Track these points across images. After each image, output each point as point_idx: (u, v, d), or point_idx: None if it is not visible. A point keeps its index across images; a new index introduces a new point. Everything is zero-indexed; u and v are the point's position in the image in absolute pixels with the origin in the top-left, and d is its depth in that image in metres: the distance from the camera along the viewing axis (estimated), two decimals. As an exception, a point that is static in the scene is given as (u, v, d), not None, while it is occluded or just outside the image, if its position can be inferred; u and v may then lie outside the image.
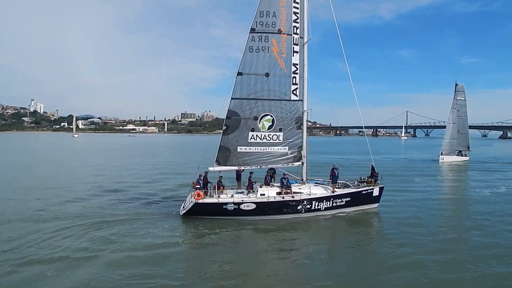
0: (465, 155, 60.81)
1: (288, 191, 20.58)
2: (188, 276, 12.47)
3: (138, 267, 12.98)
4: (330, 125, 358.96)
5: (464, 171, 47.45)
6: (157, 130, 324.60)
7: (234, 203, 19.60)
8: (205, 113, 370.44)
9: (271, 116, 21.04)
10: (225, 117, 20.80)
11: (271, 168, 21.99)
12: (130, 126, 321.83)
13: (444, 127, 61.36)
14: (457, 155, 59.58)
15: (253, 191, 20.69)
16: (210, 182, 21.19)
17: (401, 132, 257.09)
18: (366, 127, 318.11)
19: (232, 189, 21.87)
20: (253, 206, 19.70)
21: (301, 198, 20.19)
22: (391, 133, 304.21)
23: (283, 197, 20.24)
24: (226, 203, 19.62)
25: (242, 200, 19.78)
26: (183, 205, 20.76)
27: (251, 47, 20.42)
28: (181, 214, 20.05)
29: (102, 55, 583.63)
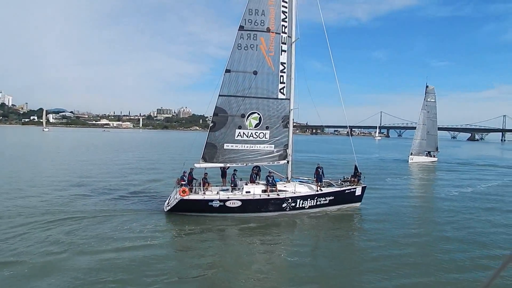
0: (434, 156, 62.06)
1: (273, 189, 20.73)
2: (173, 275, 12.11)
3: (122, 267, 12.51)
4: (307, 124, 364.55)
5: (432, 171, 48.91)
6: (131, 126, 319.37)
7: (220, 200, 19.56)
8: (182, 109, 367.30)
9: (258, 114, 21.11)
10: (212, 114, 20.75)
11: (256, 166, 22.07)
12: (104, 121, 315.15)
13: (415, 128, 62.68)
14: (426, 156, 60.72)
15: (237, 189, 20.73)
16: (195, 179, 21.11)
17: (375, 132, 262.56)
18: (341, 127, 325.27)
19: (217, 186, 21.85)
20: (239, 203, 19.71)
21: (286, 196, 20.36)
22: (365, 133, 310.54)
23: (268, 195, 20.37)
24: (211, 200, 19.56)
25: (228, 197, 19.76)
26: (167, 201, 20.59)
27: (239, 45, 20.42)
28: (165, 210, 19.86)
29: (73, 47, 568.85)
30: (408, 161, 57.41)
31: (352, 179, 22.72)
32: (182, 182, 20.14)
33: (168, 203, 20.25)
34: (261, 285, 11.79)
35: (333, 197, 21.49)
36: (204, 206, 19.56)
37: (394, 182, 35.31)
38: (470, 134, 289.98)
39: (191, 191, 20.07)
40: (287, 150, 22.03)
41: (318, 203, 21.15)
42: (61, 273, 11.78)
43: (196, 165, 20.83)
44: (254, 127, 21.20)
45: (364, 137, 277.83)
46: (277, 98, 21.35)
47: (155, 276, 11.87)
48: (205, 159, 20.85)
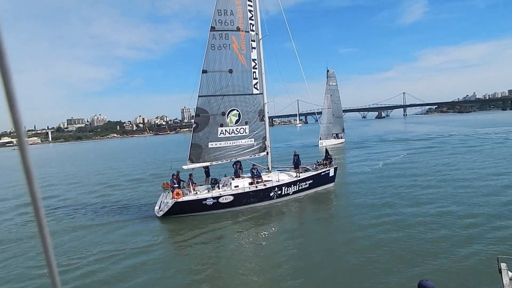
0: (341, 137, 63.75)
1: (259, 180, 21.80)
2: (177, 279, 12.23)
3: (123, 275, 12.62)
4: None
5: (341, 152, 50.88)
6: (39, 141, 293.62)
7: (213, 198, 20.15)
8: (95, 117, 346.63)
9: (237, 110, 21.97)
10: (194, 115, 21.14)
11: (237, 161, 22.90)
12: (6, 139, 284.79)
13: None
14: (334, 138, 61.86)
15: (223, 185, 21.46)
16: (182, 181, 21.35)
17: (296, 120, 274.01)
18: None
19: (201, 185, 22.28)
20: (231, 198, 20.47)
21: (273, 185, 21.57)
22: (285, 122, 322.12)
23: (256, 186, 21.40)
24: (205, 199, 20.07)
25: (220, 194, 20.42)
26: (157, 207, 20.57)
27: (213, 45, 21.01)
28: (158, 215, 19.90)
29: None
30: (318, 145, 56.99)
31: (325, 162, 24.65)
32: (175, 185, 20.31)
33: (160, 208, 20.28)
34: (264, 277, 12.10)
35: (312, 181, 23.21)
36: (198, 205, 20.01)
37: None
38: (377, 113, 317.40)
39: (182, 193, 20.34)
40: (266, 142, 23.20)
41: (300, 187, 22.73)
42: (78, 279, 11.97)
43: (184, 167, 21.14)
44: (235, 124, 22.04)
45: (285, 125, 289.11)
46: (252, 94, 22.39)
47: (158, 280, 12.13)
48: (192, 160, 21.23)
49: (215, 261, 13.67)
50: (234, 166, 22.73)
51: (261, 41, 22.55)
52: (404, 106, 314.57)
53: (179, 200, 19.68)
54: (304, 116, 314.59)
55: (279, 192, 21.78)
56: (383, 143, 59.77)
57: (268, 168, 23.41)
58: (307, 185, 23.05)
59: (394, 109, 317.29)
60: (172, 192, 20.26)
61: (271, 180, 21.97)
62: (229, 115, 21.81)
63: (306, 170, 24.02)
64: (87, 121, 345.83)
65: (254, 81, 22.32)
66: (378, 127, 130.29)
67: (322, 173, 23.86)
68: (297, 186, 22.58)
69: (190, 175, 21.73)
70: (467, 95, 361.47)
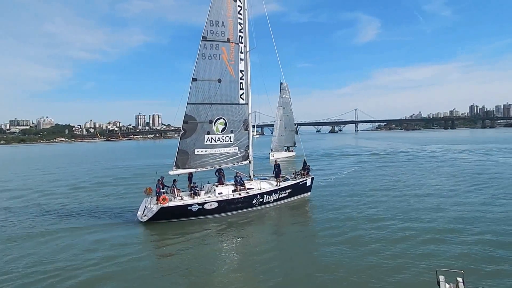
0: (292, 151, 62.94)
1: (242, 188, 22.41)
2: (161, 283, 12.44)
3: (111, 277, 12.73)
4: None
5: (291, 165, 49.77)
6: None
7: (198, 204, 20.45)
8: (42, 119, 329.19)
9: (224, 119, 22.56)
10: (182, 122, 21.50)
11: (220, 169, 23.35)
12: None
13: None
14: (285, 151, 61.24)
15: (206, 192, 21.91)
16: (167, 186, 21.48)
17: (254, 131, 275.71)
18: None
19: (183, 191, 22.44)
20: (216, 204, 20.88)
21: (256, 193, 22.27)
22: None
23: (240, 194, 21.99)
24: (190, 205, 20.33)
25: (205, 200, 20.78)
26: (140, 212, 20.49)
27: (203, 54, 21.55)
28: (142, 221, 19.86)
29: None
30: (269, 158, 55.46)
31: (303, 172, 25.74)
32: (160, 191, 20.40)
33: (144, 214, 20.24)
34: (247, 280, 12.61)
35: (291, 190, 24.18)
36: (183, 211, 20.22)
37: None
38: (331, 127, 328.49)
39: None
40: (248, 151, 23.91)
41: (280, 196, 23.60)
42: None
43: (171, 172, 21.35)
44: (221, 132, 22.59)
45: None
46: (238, 104, 23.10)
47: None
48: (178, 166, 21.47)
49: (199, 268, 13.73)
50: (217, 173, 23.15)
51: (248, 53, 23.37)
52: (356, 122, 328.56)
53: (165, 205, 19.79)
54: (260, 128, 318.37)
55: (261, 200, 22.51)
56: (335, 157, 61.10)
57: (250, 176, 24.07)
58: (286, 194, 23.98)
59: (347, 124, 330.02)
60: (157, 197, 20.35)
61: (254, 188, 22.66)
62: (216, 123, 22.35)
63: (285, 180, 24.95)
64: (33, 123, 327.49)
65: (241, 92, 23.07)
66: (331, 141, 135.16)
67: (300, 183, 24.90)
68: (278, 194, 23.44)
69: (174, 180, 21.88)
70: (413, 114, 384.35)
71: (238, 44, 22.72)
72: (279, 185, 23.78)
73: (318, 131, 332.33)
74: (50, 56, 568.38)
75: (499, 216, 18.92)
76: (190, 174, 22.93)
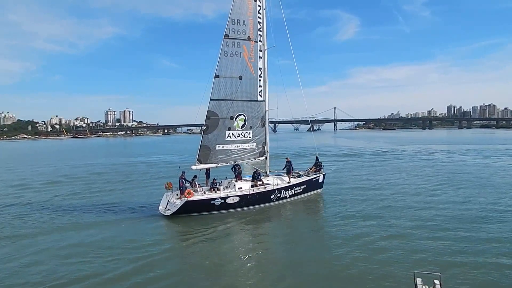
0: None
1: (260, 183, 23.73)
2: (183, 277, 13.38)
3: (137, 275, 13.49)
4: (158, 124, 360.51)
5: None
6: None
7: (221, 198, 21.72)
8: (2, 115, 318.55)
9: (244, 115, 23.93)
10: (205, 117, 22.67)
11: (237, 165, 24.63)
12: None
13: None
14: None
15: (226, 187, 23.24)
16: (188, 181, 22.54)
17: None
18: (194, 125, 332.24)
19: (201, 186, 23.49)
20: (237, 199, 22.20)
21: (274, 188, 23.70)
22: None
23: (258, 189, 23.33)
24: (214, 199, 21.58)
25: (227, 195, 22.07)
26: (163, 206, 21.48)
27: (225, 52, 22.82)
28: (165, 214, 20.93)
29: None
30: None
31: (315, 168, 27.33)
32: (185, 185, 21.53)
33: (167, 208, 21.27)
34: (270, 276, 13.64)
35: (305, 186, 25.74)
36: (207, 205, 21.45)
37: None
38: (309, 126, 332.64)
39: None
40: (265, 147, 25.31)
41: (295, 192, 25.13)
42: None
43: (193, 167, 22.56)
44: (241, 128, 23.98)
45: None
46: (257, 100, 24.51)
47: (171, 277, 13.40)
48: (200, 161, 22.68)
49: (225, 264, 14.68)
50: (235, 169, 24.44)
51: (266, 52, 24.74)
52: (335, 121, 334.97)
53: (190, 199, 20.92)
54: (273, 125, 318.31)
55: (278, 195, 23.95)
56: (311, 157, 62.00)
57: (266, 172, 25.45)
58: (301, 190, 25.51)
59: (326, 123, 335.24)
60: (181, 192, 21.47)
61: (271, 184, 24.06)
62: (237, 119, 23.71)
63: (299, 176, 26.46)
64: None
65: (259, 89, 24.47)
66: (309, 140, 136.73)
67: (314, 179, 26.49)
68: (293, 190, 24.95)
69: (195, 176, 23.04)
70: (392, 113, 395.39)
71: (257, 42, 24.07)
72: (293, 181, 25.22)
73: (297, 129, 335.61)
74: (12, 47, 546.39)
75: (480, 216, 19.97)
76: (208, 170, 24.18)
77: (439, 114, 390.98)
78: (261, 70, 24.52)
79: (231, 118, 23.54)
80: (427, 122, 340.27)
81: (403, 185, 30.28)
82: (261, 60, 24.44)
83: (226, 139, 23.52)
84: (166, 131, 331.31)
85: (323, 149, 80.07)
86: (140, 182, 35.66)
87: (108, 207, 24.08)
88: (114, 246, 16.36)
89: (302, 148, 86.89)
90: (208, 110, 22.61)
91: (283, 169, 26.34)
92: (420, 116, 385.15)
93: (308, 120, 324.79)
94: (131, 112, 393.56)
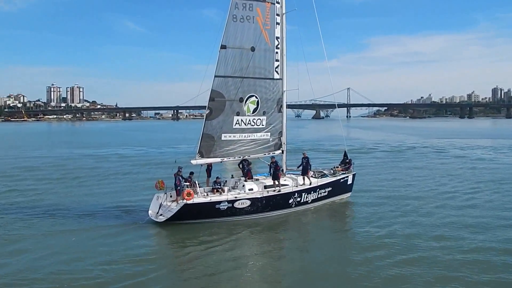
0: None
1: (277, 183, 24.12)
2: None
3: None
4: (116, 105, 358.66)
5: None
6: None
7: (229, 201, 22.08)
8: None
9: (256, 97, 24.55)
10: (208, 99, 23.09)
11: (245, 160, 25.19)
12: None
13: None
14: None
15: (234, 187, 23.84)
16: (185, 179, 22.87)
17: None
18: (165, 108, 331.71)
19: (200, 187, 23.87)
20: (248, 203, 22.58)
21: (293, 191, 24.28)
22: (196, 115, 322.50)
23: (274, 190, 23.82)
24: (219, 202, 21.98)
25: (236, 197, 22.53)
26: (156, 211, 21.89)
27: (234, 16, 23.28)
28: (157, 221, 21.40)
29: None
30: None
31: (343, 167, 28.02)
32: (185, 184, 21.98)
33: (159, 212, 21.70)
34: None
35: (331, 188, 26.40)
36: (210, 209, 21.86)
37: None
38: (315, 111, 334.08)
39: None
40: (281, 138, 25.95)
41: (320, 195, 25.79)
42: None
43: (193, 162, 23.02)
44: (252, 113, 24.57)
45: (196, 120, 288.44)
46: (273, 78, 25.14)
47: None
48: (201, 154, 23.14)
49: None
50: (244, 165, 25.03)
51: (284, 16, 25.27)
52: (348, 106, 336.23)
53: (189, 201, 21.24)
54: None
55: (299, 199, 24.53)
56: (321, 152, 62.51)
57: (282, 170, 26.05)
58: (326, 193, 26.17)
59: (336, 109, 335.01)
60: (178, 192, 21.95)
61: (289, 185, 24.68)
62: (247, 102, 24.28)
63: (323, 176, 27.13)
64: None
65: (276, 64, 25.05)
66: (315, 131, 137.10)
67: (341, 180, 27.22)
68: (317, 193, 25.60)
69: (191, 173, 23.43)
70: (421, 97, 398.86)
71: (274, 4, 24.61)
72: (317, 182, 25.75)
73: (298, 116, 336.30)
74: None
75: None
76: (210, 166, 24.67)
77: (482, 99, 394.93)
78: (279, 40, 25.08)
79: (241, 100, 24.07)
80: (466, 109, 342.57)
81: (454, 194, 30.23)
82: (278, 27, 24.97)
83: (234, 126, 24.06)
84: (127, 115, 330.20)
85: (331, 142, 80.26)
86: (113, 179, 36.28)
87: (73, 211, 24.37)
88: (91, 264, 16.34)
89: (306, 140, 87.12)
90: (211, 89, 23.07)
91: (298, 167, 26.87)
92: (458, 101, 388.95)
93: (313, 105, 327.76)
94: (81, 90, 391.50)
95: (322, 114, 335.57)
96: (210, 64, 23.41)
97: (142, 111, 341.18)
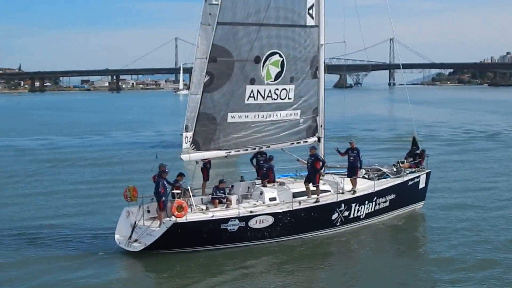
0: None
1: (315, 188, 24.24)
2: None
3: None
4: (20, 69, 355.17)
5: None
6: None
7: (240, 218, 22.10)
8: None
9: (281, 55, 24.71)
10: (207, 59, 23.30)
11: (262, 152, 25.65)
12: None
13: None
14: None
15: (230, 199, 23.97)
16: (172, 185, 22.96)
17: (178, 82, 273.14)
18: (97, 72, 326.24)
19: (195, 196, 23.96)
20: (270, 220, 22.72)
21: (337, 200, 24.46)
22: (148, 83, 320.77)
23: (307, 201, 24.08)
24: (226, 220, 21.99)
25: (251, 212, 22.61)
26: (128, 234, 21.92)
27: None
28: (131, 250, 21.53)
29: None
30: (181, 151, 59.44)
31: (411, 161, 28.46)
32: (175, 191, 22.20)
33: (132, 237, 21.82)
34: None
35: (394, 196, 26.77)
36: (213, 232, 21.96)
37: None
38: (338, 76, 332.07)
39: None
40: (317, 119, 26.36)
41: (377, 207, 26.20)
42: None
43: (183, 157, 23.22)
44: (274, 80, 24.78)
45: (148, 91, 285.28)
46: (305, 26, 25.50)
47: None
48: (197, 145, 23.05)
49: None
50: (260, 160, 25.55)
51: None
52: (391, 67, 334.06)
53: (180, 219, 21.09)
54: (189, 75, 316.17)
55: (346, 213, 24.84)
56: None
57: (323, 166, 26.02)
58: (387, 204, 26.59)
59: (372, 71, 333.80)
60: (162, 205, 21.93)
61: (330, 191, 25.08)
62: (267, 63, 24.40)
63: (381, 176, 27.62)
64: None
65: (309, 3, 25.37)
66: (336, 107, 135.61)
67: (410, 183, 27.71)
68: (373, 204, 25.96)
69: (180, 174, 23.74)
70: (507, 53, 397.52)
71: None
72: (373, 186, 25.95)
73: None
74: None
75: None
76: (208, 164, 24.97)
77: None
78: (313, -37, 25.41)
79: (257, 60, 24.16)
80: None
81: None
82: None
83: (246, 102, 24.25)
84: (37, 84, 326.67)
85: (361, 125, 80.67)
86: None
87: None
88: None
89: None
90: (212, 44, 23.04)
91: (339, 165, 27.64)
92: None
93: (336, 65, 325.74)
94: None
95: (350, 80, 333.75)
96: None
97: (60, 78, 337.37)
